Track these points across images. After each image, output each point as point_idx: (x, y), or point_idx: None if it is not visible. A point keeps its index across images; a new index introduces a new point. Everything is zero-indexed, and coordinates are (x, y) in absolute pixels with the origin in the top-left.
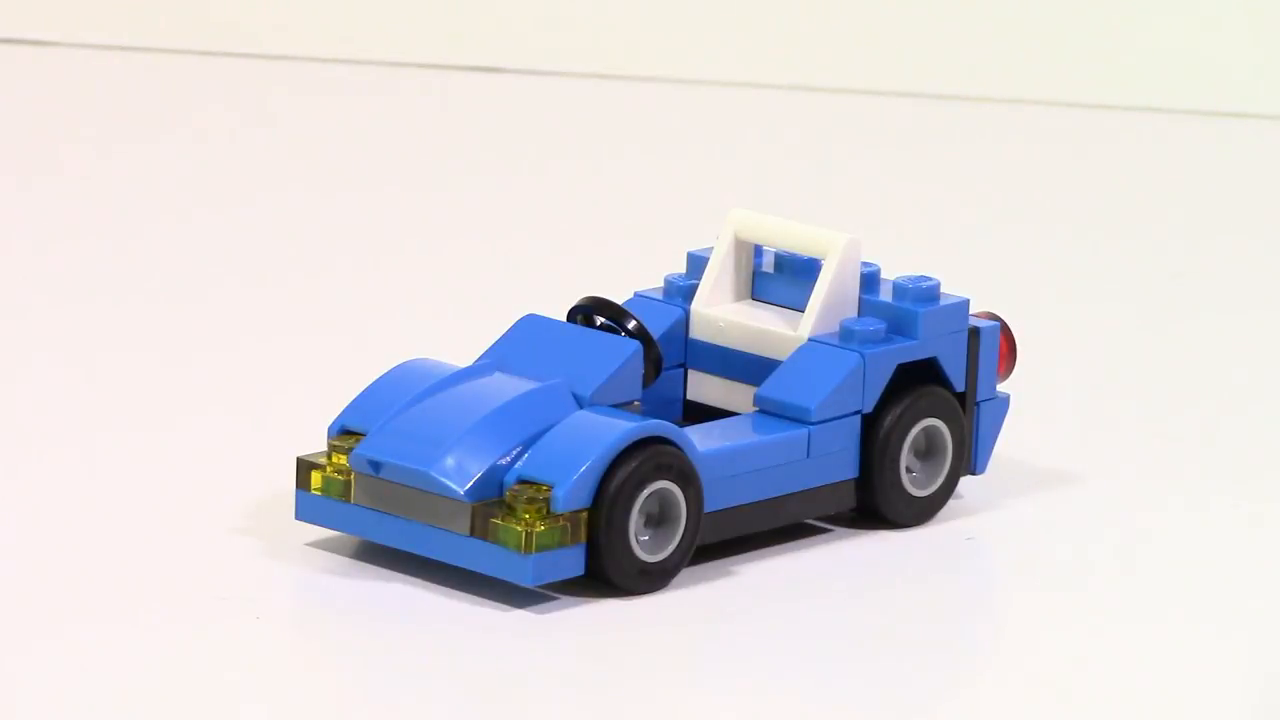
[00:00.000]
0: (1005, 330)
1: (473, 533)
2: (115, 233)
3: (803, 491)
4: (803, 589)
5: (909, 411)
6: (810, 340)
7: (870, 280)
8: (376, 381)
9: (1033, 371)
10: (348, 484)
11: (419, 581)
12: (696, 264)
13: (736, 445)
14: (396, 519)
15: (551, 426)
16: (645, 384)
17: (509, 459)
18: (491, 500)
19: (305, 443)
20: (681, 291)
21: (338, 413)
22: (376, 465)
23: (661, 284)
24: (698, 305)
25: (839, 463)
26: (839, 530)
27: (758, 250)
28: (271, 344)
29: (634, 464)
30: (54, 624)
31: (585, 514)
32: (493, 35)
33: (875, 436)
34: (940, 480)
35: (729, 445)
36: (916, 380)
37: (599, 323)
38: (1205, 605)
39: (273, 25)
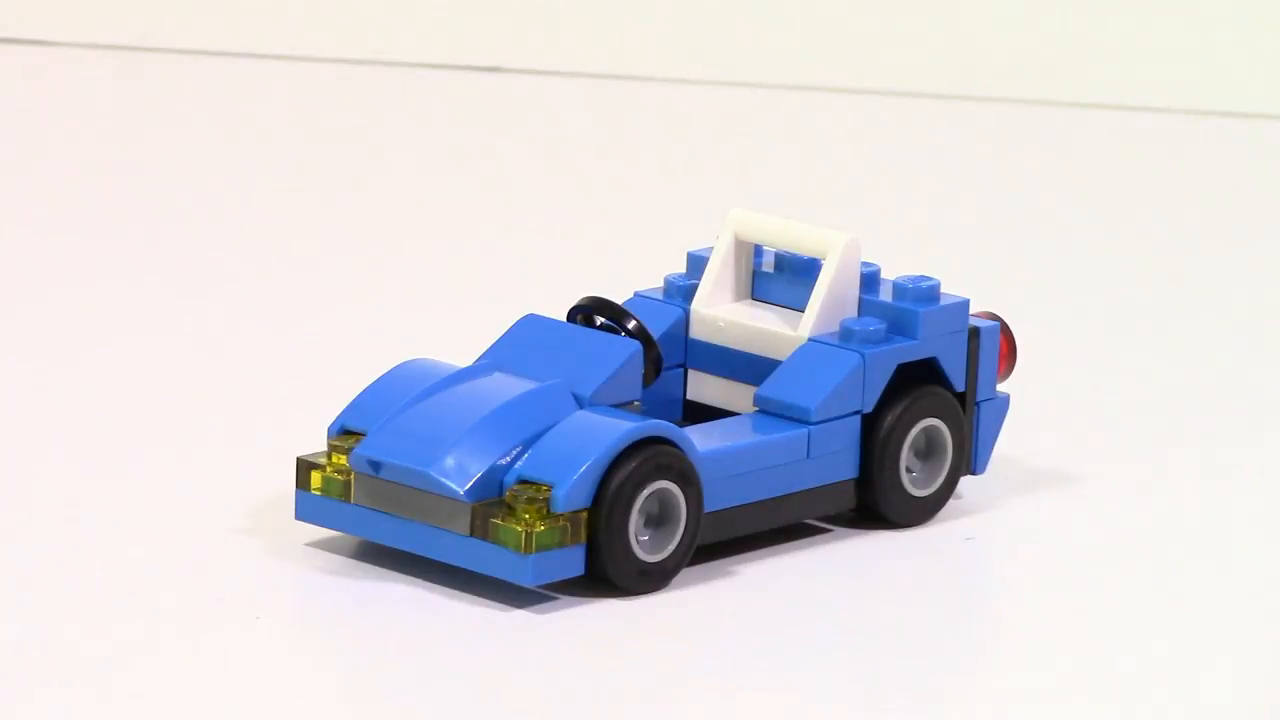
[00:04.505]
0: (1005, 330)
1: (473, 533)
2: (114, 232)
3: (803, 491)
4: (803, 589)
5: (909, 411)
6: (810, 340)
7: (870, 280)
8: (376, 381)
9: (1033, 371)
10: (348, 484)
11: (419, 581)
12: (696, 264)
13: (736, 445)
14: (396, 519)
15: (551, 426)
16: (645, 384)
17: (509, 459)
18: (491, 500)
19: (305, 443)
20: (681, 291)
21: (338, 413)
22: (376, 465)
23: (661, 284)
24: (698, 305)
25: (839, 463)
26: (839, 530)
27: (758, 250)
28: (272, 343)
29: (634, 464)
30: (54, 623)
31: (585, 514)
32: (493, 35)
33: (875, 436)
34: (940, 480)
35: (729, 445)
36: (916, 380)
37: (599, 323)
38: (1205, 605)
39: (272, 25)
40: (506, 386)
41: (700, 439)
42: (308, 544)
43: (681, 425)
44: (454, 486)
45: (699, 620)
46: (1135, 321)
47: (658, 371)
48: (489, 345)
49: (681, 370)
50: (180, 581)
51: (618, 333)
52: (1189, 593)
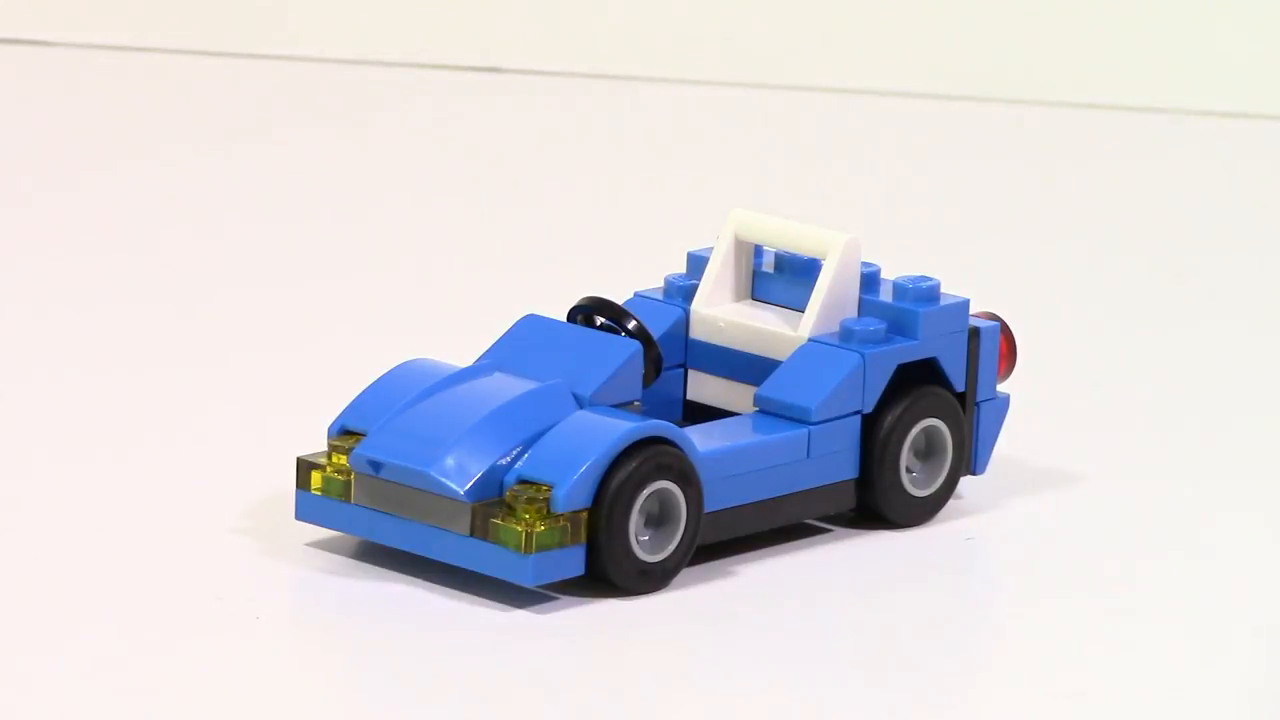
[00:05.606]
0: (1005, 330)
1: (473, 533)
2: (116, 234)
3: (803, 491)
4: (803, 589)
5: (909, 411)
6: (810, 340)
7: (870, 280)
8: (376, 381)
9: (1033, 371)
10: (348, 484)
11: (419, 581)
12: (696, 264)
13: (736, 445)
14: (396, 519)
15: (551, 426)
16: (645, 384)
17: (509, 459)
18: (491, 500)
19: (305, 443)
20: (681, 291)
21: (338, 413)
22: (376, 465)
23: (661, 284)
24: (698, 305)
25: (839, 463)
26: (839, 530)
27: (758, 250)
28: (272, 344)
29: (634, 464)
30: (54, 624)
31: (585, 514)
32: (493, 35)
33: (875, 436)
34: (940, 480)
35: (729, 445)
36: (916, 380)
37: (599, 323)
38: (1205, 605)
39: (272, 26)
40: (506, 386)
41: (700, 439)
42: (308, 544)
43: (681, 425)
44: (454, 486)
45: (699, 620)
46: (1135, 321)
47: (658, 371)
48: (489, 345)
49: (681, 370)
50: (179, 581)
51: (618, 333)
52: (1190, 593)
